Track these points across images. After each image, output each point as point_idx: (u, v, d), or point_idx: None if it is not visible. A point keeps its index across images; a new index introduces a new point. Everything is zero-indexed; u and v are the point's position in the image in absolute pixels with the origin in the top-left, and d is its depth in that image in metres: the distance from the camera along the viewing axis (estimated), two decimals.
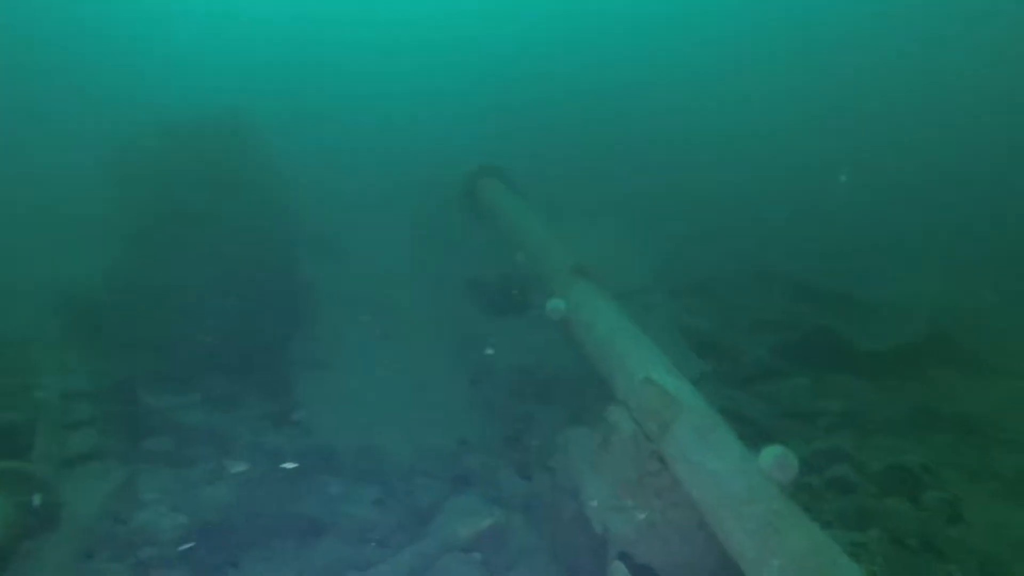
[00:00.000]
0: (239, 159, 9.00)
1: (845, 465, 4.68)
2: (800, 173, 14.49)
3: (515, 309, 7.90)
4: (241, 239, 7.79)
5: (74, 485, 4.42)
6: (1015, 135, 14.81)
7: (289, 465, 5.40)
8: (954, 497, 4.52)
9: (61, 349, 6.36)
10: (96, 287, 7.11)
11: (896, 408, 6.24)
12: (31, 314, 7.12)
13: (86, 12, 20.72)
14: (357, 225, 11.66)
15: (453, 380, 7.63)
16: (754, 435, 6.05)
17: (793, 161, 15.13)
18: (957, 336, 7.81)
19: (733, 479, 2.94)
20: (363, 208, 12.06)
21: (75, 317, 6.86)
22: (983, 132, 15.45)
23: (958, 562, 3.91)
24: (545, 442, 5.90)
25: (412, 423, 6.61)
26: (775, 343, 7.74)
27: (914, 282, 9.43)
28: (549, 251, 5.33)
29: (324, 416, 6.63)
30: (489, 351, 7.72)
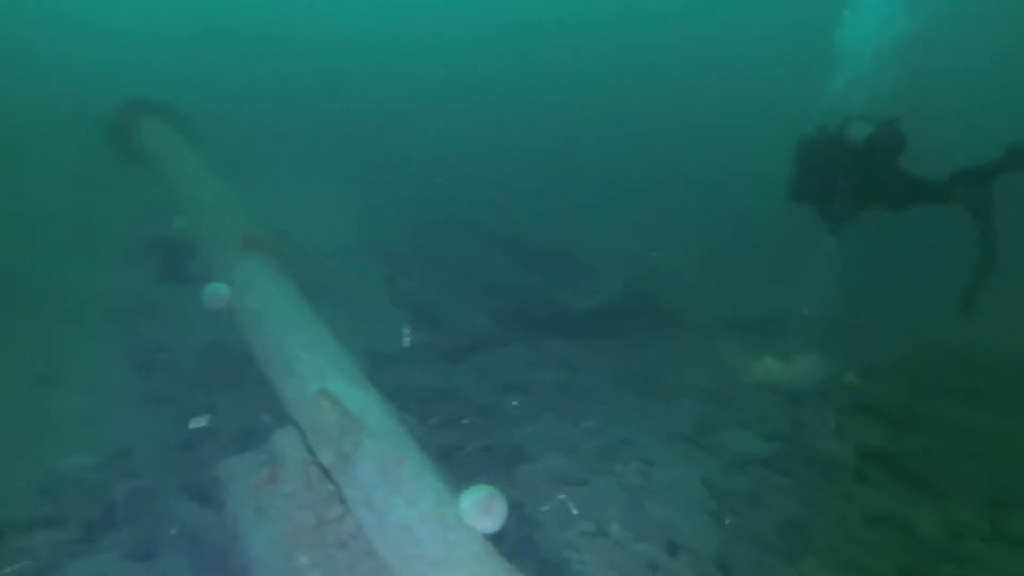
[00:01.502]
0: None
1: (559, 454, 4.39)
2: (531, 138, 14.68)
3: (195, 277, 6.42)
4: None
5: None
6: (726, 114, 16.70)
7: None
8: (647, 467, 4.49)
9: None
10: None
11: (603, 373, 6.29)
12: None
13: None
14: None
15: (114, 367, 5.95)
16: (470, 413, 5.67)
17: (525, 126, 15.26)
18: (656, 294, 8.37)
19: (426, 533, 2.23)
20: None
21: None
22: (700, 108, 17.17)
23: (648, 539, 3.81)
24: (224, 452, 4.77)
25: (51, 437, 4.92)
26: (494, 309, 7.44)
27: (623, 243, 9.95)
28: (216, 216, 4.08)
29: None
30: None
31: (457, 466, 4.29)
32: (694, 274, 8.94)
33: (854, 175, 5.88)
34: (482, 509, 2.26)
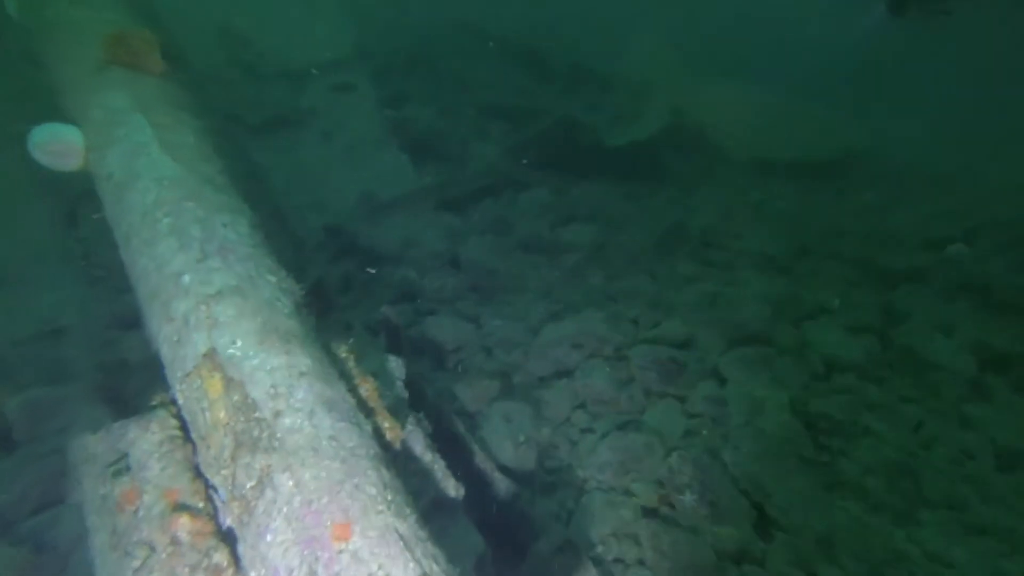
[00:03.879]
0: None
1: (603, 367, 3.12)
2: None
3: None
4: None
5: None
6: None
7: None
8: (719, 387, 3.28)
9: None
10: None
11: (645, 230, 4.88)
12: None
13: None
14: None
15: (36, 217, 4.60)
16: (482, 292, 4.35)
17: None
18: (694, 121, 6.63)
19: None
20: None
21: None
22: None
23: (731, 514, 2.72)
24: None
25: None
26: (512, 141, 5.82)
27: (650, 58, 7.88)
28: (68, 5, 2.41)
29: None
30: None
31: (464, 380, 3.08)
32: (751, 105, 7.02)
33: None
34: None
